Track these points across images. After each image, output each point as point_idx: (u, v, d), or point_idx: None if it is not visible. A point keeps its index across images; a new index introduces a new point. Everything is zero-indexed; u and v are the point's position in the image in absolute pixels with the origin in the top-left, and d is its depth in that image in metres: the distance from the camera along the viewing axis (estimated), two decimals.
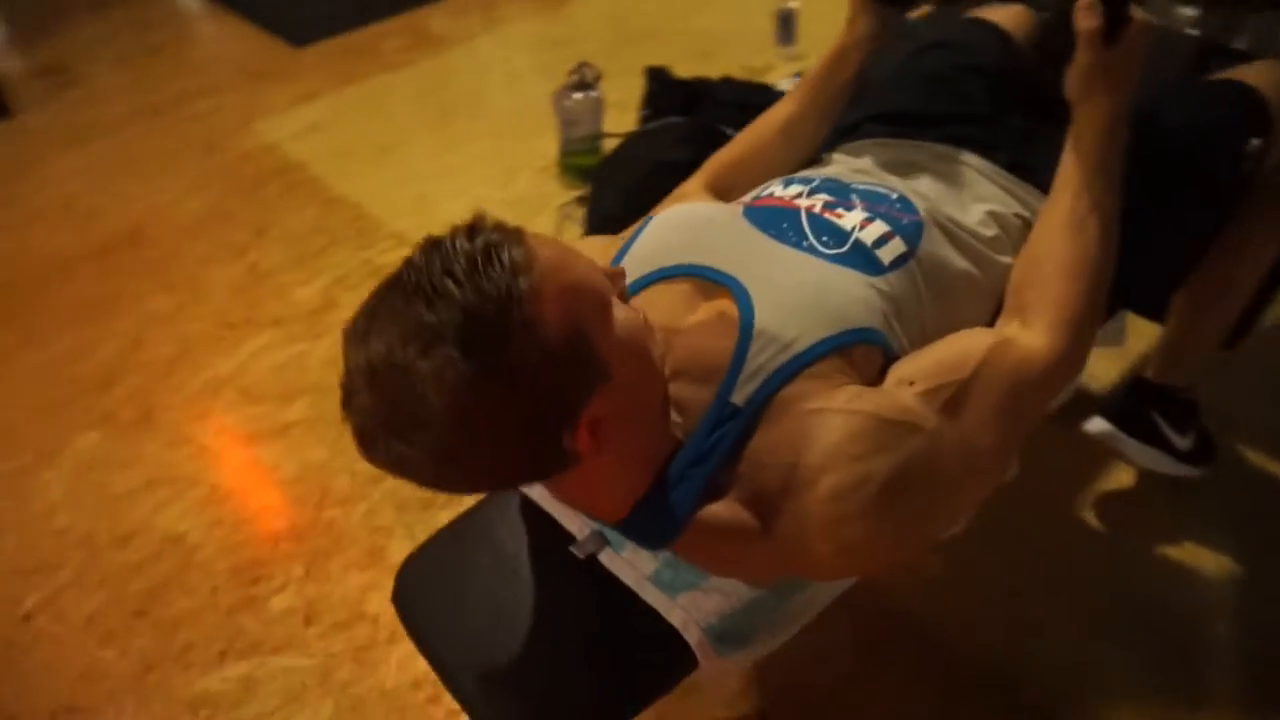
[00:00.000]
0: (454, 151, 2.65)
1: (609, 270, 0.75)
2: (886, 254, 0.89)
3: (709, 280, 0.85)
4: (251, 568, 1.54)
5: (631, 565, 0.91)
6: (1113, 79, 0.91)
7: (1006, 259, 0.97)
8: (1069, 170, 0.92)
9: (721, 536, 0.79)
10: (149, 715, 1.36)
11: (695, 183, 1.12)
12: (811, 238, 0.89)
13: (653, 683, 0.87)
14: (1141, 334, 1.48)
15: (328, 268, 2.22)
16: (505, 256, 0.65)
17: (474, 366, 0.62)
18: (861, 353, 0.82)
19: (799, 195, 0.95)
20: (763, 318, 0.80)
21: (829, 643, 1.26)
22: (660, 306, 0.84)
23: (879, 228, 0.90)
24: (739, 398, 0.78)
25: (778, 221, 0.91)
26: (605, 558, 0.92)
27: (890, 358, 0.84)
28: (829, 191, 0.95)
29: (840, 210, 0.92)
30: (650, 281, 0.88)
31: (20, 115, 3.12)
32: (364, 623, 1.43)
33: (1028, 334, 0.85)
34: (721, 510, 0.78)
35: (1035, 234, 0.93)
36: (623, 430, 0.73)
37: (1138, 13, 0.90)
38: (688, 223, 0.93)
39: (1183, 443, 1.37)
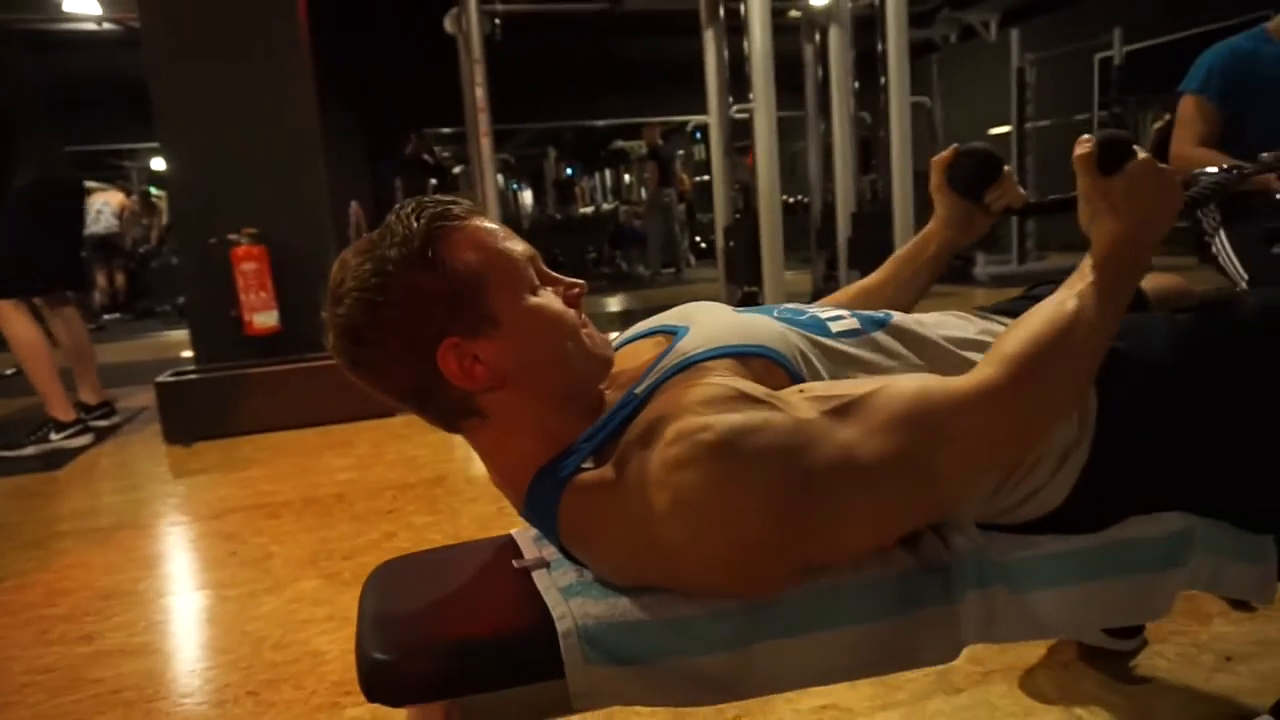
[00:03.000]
0: None
1: (557, 276, 0.92)
2: (836, 326, 0.94)
3: (670, 333, 0.99)
4: (350, 685, 1.65)
5: (552, 579, 0.94)
6: (1112, 205, 0.90)
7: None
8: (1072, 277, 0.90)
9: (590, 492, 0.84)
10: None
11: None
12: (775, 313, 0.99)
13: (515, 662, 0.85)
14: None
15: None
16: (437, 211, 0.86)
17: (379, 268, 0.83)
18: (760, 365, 0.87)
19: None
20: (688, 340, 0.92)
21: None
22: (630, 351, 1.00)
23: (839, 312, 0.97)
24: (640, 389, 0.87)
25: (756, 310, 1.03)
26: (537, 575, 0.96)
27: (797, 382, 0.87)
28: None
29: (815, 307, 1.01)
30: (632, 339, 1.04)
31: None
32: None
33: (963, 376, 0.83)
34: (593, 472, 0.84)
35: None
36: (520, 393, 0.87)
37: (1141, 152, 0.90)
38: (683, 307, 1.07)
39: None
